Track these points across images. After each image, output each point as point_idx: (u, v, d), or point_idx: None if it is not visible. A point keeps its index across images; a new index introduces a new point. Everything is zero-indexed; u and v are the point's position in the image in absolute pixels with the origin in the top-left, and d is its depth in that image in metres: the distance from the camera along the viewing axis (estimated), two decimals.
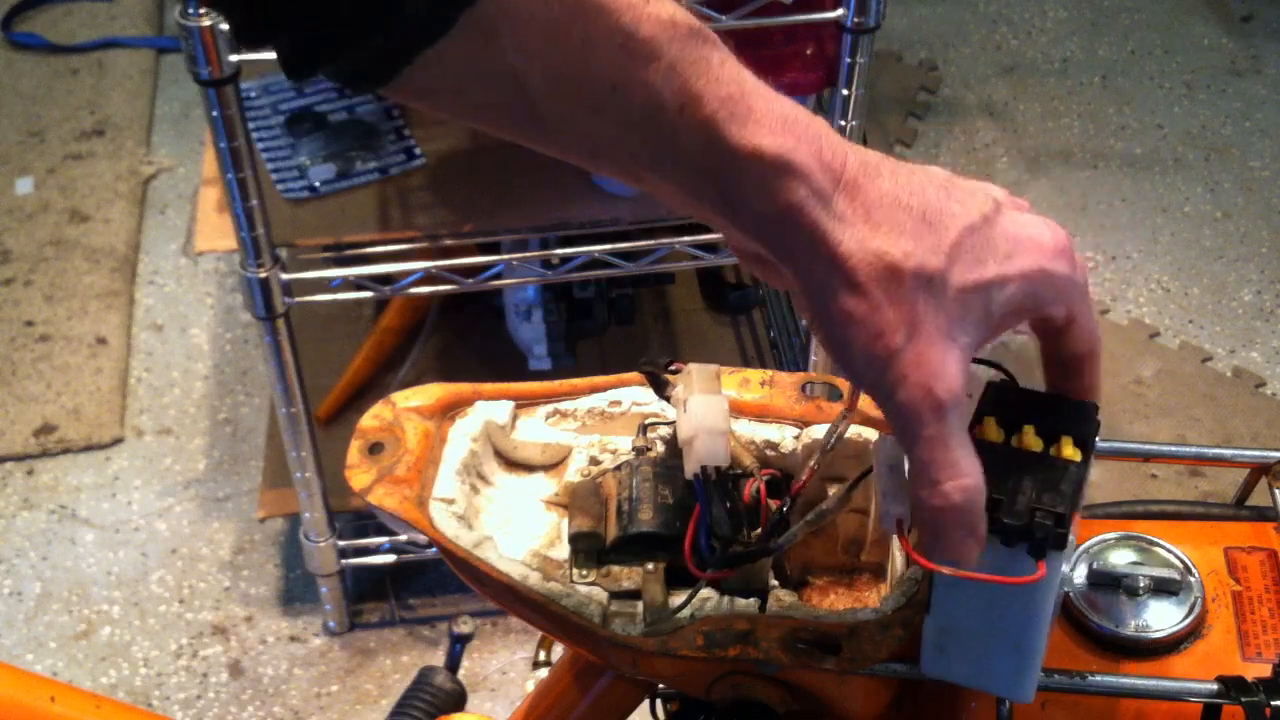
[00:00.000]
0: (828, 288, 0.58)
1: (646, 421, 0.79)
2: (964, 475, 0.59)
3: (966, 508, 0.59)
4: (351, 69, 0.57)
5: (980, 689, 0.69)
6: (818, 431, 0.79)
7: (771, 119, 0.58)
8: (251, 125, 1.70)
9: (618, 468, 0.77)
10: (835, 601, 0.79)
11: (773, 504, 0.73)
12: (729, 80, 0.58)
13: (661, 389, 0.75)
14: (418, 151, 1.68)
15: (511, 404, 0.81)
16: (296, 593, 1.96)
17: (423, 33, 0.55)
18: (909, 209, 0.58)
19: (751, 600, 0.72)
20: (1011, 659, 0.66)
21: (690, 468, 0.70)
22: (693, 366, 0.73)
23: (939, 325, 0.58)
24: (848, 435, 0.76)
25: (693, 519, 0.70)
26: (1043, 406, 0.65)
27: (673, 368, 0.74)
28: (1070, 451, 0.64)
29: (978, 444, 0.63)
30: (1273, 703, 0.68)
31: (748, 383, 0.81)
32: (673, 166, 0.58)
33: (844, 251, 0.58)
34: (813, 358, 1.73)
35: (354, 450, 0.77)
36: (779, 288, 0.64)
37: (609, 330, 1.89)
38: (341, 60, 0.57)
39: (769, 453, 0.79)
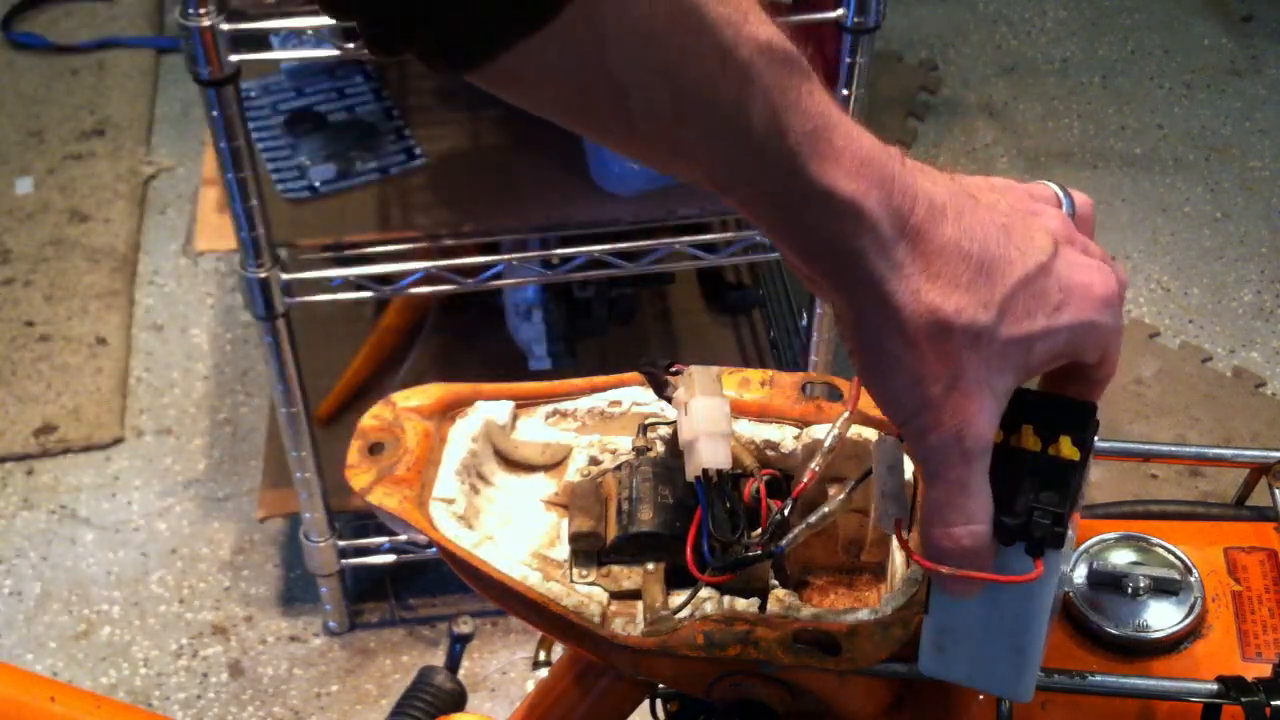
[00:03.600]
0: (877, 331, 0.60)
1: (646, 421, 0.79)
2: (976, 522, 0.61)
3: (973, 552, 0.62)
4: (447, 46, 0.56)
5: (979, 689, 0.69)
6: (818, 431, 0.79)
7: (849, 158, 0.58)
8: (251, 125, 1.70)
9: (618, 468, 0.77)
10: (835, 601, 0.79)
11: (774, 504, 0.73)
12: (816, 113, 0.58)
13: (661, 389, 0.75)
14: (418, 151, 1.68)
15: (511, 404, 0.81)
16: (296, 593, 1.96)
17: (527, 18, 0.55)
18: (968, 257, 0.60)
19: (751, 600, 0.72)
20: (1010, 658, 0.66)
21: (692, 471, 0.70)
22: (693, 368, 0.73)
23: (979, 376, 0.60)
24: (848, 435, 0.76)
25: (694, 522, 0.70)
26: (1041, 406, 0.65)
27: (673, 369, 0.74)
28: (1069, 451, 0.64)
29: None
30: (1273, 703, 0.68)
31: (748, 383, 0.81)
32: (746, 186, 0.59)
33: (898, 302, 0.59)
34: (813, 358, 1.73)
35: (354, 450, 0.77)
36: (825, 301, 0.66)
37: (609, 330, 1.89)
38: (435, 36, 0.56)
39: (769, 453, 0.79)
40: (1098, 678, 0.70)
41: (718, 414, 0.70)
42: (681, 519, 0.72)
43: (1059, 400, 0.66)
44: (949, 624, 0.67)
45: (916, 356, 0.60)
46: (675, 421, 0.78)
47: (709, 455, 0.70)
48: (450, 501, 0.75)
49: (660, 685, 0.87)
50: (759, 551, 0.71)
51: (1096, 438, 0.66)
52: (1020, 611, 0.65)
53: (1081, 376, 0.66)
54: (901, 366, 0.60)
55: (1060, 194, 0.68)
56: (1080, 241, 0.65)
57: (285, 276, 1.53)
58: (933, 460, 0.61)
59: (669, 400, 0.75)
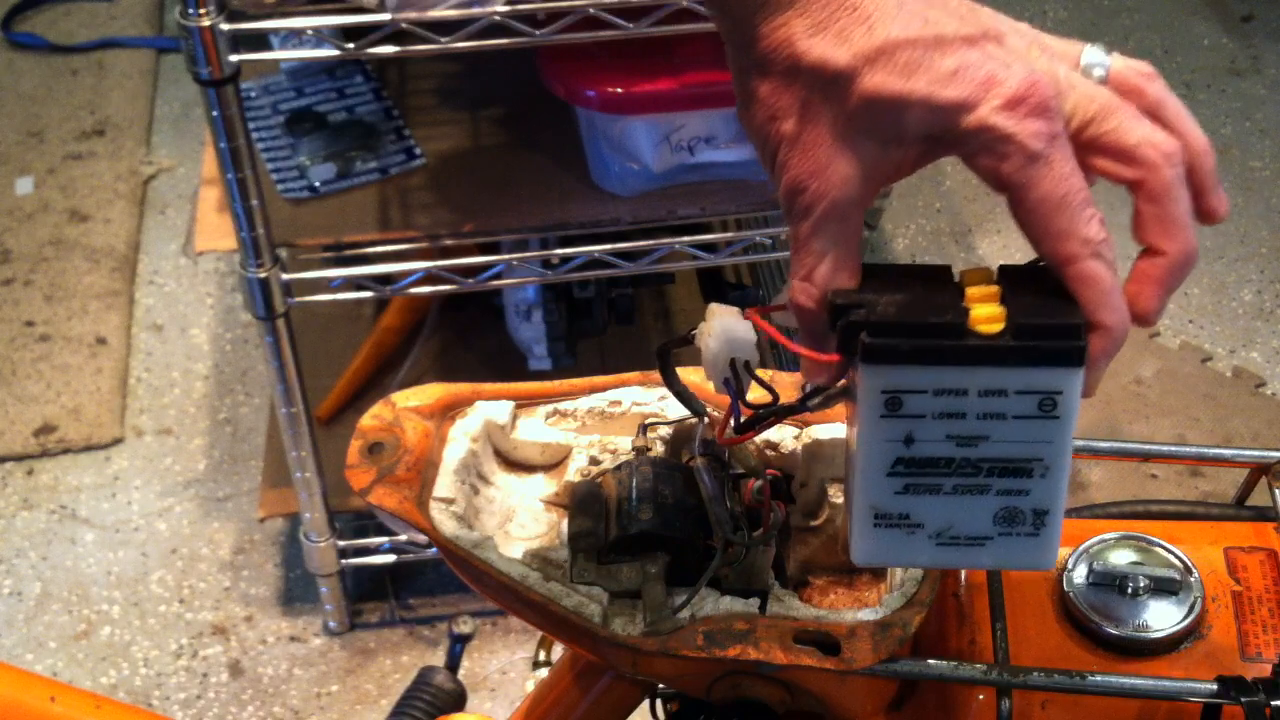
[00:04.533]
0: (744, 68, 0.60)
1: (646, 421, 0.79)
2: (810, 282, 0.60)
3: (802, 311, 0.60)
4: None
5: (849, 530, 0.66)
6: (818, 431, 0.79)
7: None
8: (251, 125, 1.70)
9: (618, 468, 0.77)
10: (835, 601, 0.79)
11: (776, 505, 0.73)
12: None
13: (671, 379, 0.74)
14: (418, 151, 1.68)
15: (511, 404, 0.81)
16: (296, 593, 1.96)
17: None
18: (854, 10, 0.57)
19: (751, 600, 0.72)
20: (849, 501, 0.64)
21: (719, 374, 0.68)
22: (714, 305, 0.71)
23: (836, 129, 0.58)
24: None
25: (728, 406, 0.69)
26: (1043, 294, 0.59)
27: (693, 332, 0.73)
28: (985, 316, 0.57)
29: (906, 268, 0.61)
30: (1273, 703, 0.68)
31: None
32: None
33: (763, 39, 0.59)
34: None
35: (354, 450, 0.77)
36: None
37: (609, 330, 1.89)
38: None
39: (769, 453, 0.79)
40: (1098, 678, 0.70)
41: (741, 325, 0.68)
42: (681, 519, 0.72)
43: (1063, 305, 0.60)
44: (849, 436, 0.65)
45: (772, 92, 0.59)
46: (675, 421, 0.79)
47: (735, 345, 0.67)
48: (450, 501, 0.76)
49: (660, 685, 0.87)
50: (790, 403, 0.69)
51: (1074, 384, 0.58)
52: (855, 436, 0.62)
53: (1040, 254, 0.60)
54: (758, 101, 0.59)
55: (1097, 56, 0.64)
56: (1051, 50, 0.62)
57: (285, 276, 1.53)
58: (784, 206, 0.60)
59: (677, 393, 0.75)
